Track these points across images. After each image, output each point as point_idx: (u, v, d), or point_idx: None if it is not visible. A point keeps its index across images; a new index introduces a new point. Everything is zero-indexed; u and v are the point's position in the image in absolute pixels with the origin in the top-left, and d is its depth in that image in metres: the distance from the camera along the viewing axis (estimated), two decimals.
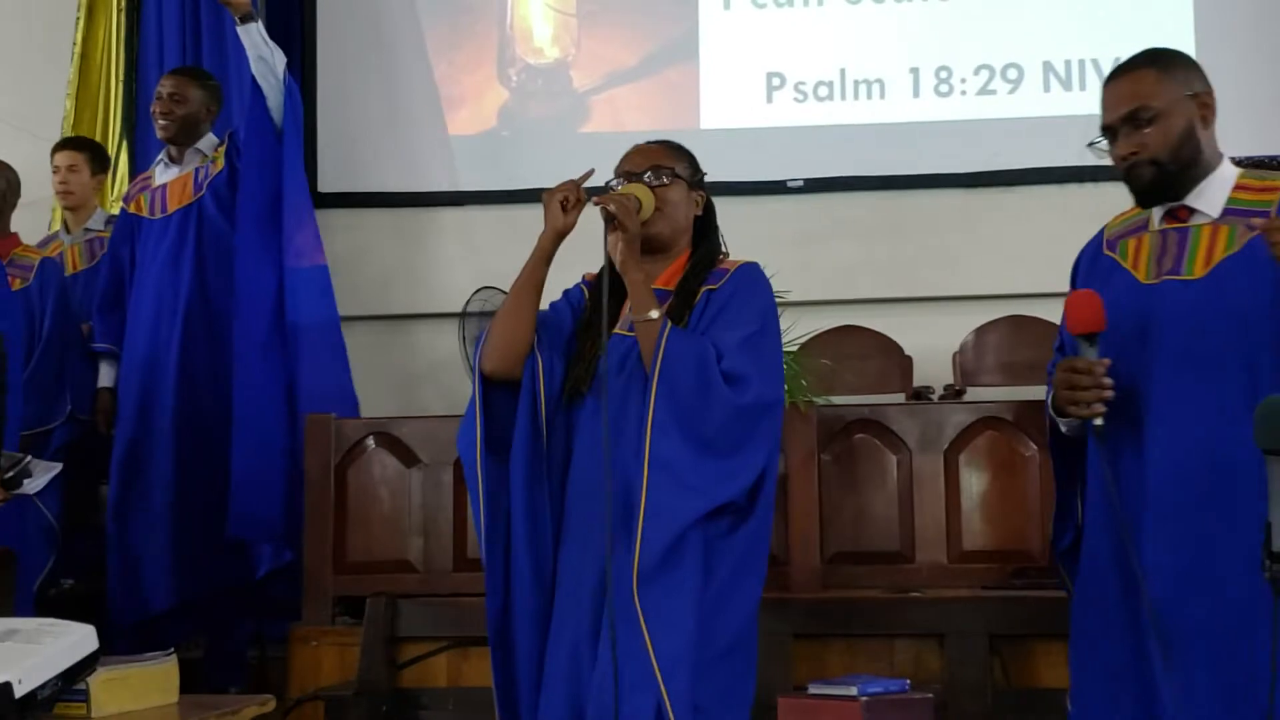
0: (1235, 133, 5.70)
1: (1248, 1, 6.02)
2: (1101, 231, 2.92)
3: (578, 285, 3.12)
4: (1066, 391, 2.66)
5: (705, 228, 3.08)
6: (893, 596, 4.11)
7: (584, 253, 3.05)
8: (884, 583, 4.20)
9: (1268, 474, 2.36)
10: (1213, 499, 2.65)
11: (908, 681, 3.63)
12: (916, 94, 6.14)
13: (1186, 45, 5.96)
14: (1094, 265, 2.88)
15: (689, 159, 3.10)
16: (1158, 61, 2.77)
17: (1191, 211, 2.75)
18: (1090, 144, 2.80)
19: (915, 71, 6.14)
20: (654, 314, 2.85)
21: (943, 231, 5.99)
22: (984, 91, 6.09)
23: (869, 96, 6.16)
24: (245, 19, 4.72)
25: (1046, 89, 6.03)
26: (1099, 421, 2.64)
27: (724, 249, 3.09)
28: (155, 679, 2.72)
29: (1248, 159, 4.20)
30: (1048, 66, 6.05)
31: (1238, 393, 2.62)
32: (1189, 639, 2.64)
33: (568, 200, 2.93)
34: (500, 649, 2.96)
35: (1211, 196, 2.74)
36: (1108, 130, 2.77)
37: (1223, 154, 2.79)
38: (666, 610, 2.72)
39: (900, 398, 5.33)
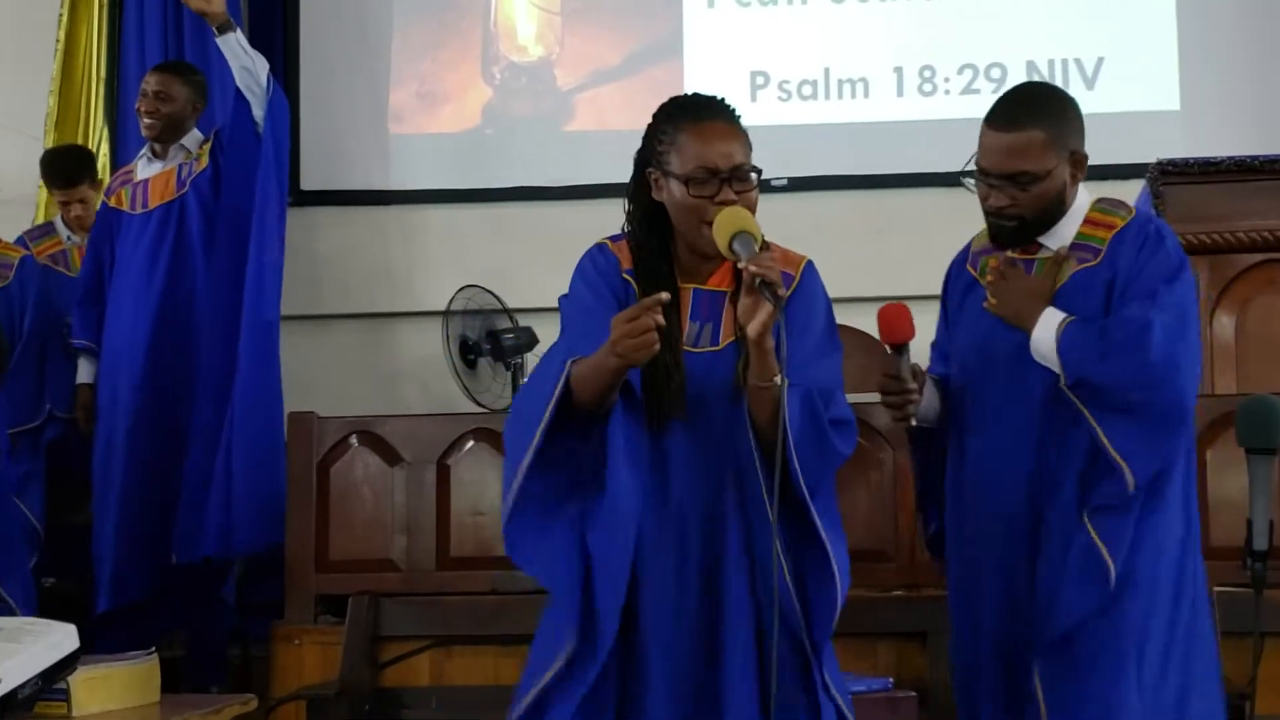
0: (1215, 134, 5.78)
1: (1230, 1, 6.04)
2: (969, 245, 3.10)
3: (605, 265, 2.73)
4: (884, 397, 2.87)
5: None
6: (876, 595, 4.11)
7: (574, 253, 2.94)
8: (868, 582, 4.19)
9: (1248, 473, 2.39)
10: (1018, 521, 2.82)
11: (891, 680, 3.63)
12: (900, 93, 6.15)
13: (1169, 45, 5.98)
14: (958, 278, 3.08)
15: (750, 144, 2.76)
16: (1046, 120, 2.82)
17: (1040, 245, 2.89)
18: (961, 177, 2.90)
19: (899, 71, 6.15)
20: (775, 380, 2.47)
21: (926, 230, 5.97)
22: (968, 91, 6.10)
23: (853, 96, 6.17)
24: (223, 29, 4.69)
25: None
26: (912, 422, 2.87)
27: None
28: (136, 678, 2.71)
29: (1200, 161, 4.29)
30: (1031, 66, 6.06)
31: (1042, 425, 2.79)
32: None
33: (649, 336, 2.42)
34: None
35: (1059, 234, 2.88)
36: (983, 171, 2.85)
37: (1079, 188, 2.89)
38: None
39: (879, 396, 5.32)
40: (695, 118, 2.73)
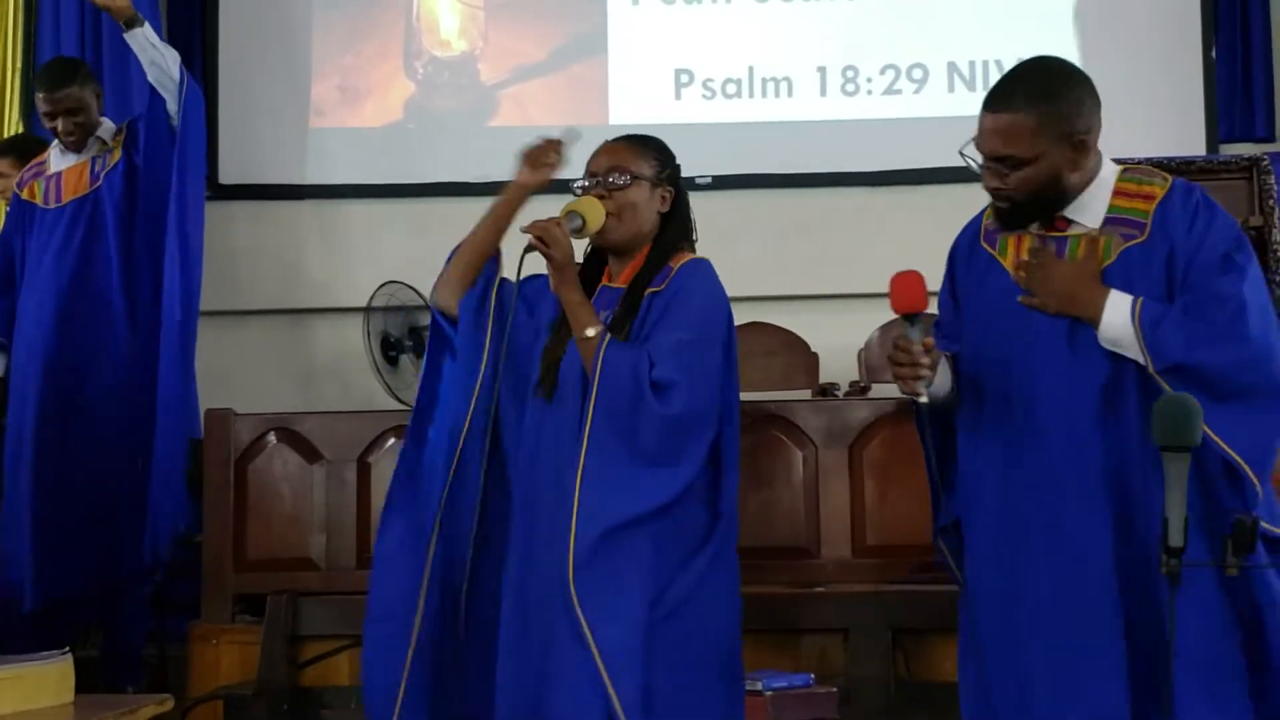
0: (1129, 134, 5.86)
1: (1146, 4, 6.13)
2: (980, 216, 2.90)
3: (530, 282, 3.10)
4: (893, 368, 2.70)
5: (671, 222, 3.06)
6: (797, 592, 4.13)
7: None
8: (789, 578, 4.22)
9: (1164, 471, 2.41)
10: (1078, 502, 2.67)
11: (812, 676, 3.65)
12: (824, 93, 6.19)
13: (1087, 46, 6.06)
14: (972, 254, 2.87)
15: (655, 155, 3.09)
16: (1039, 103, 2.70)
17: (1069, 222, 2.74)
18: (962, 150, 2.77)
19: (822, 70, 6.19)
20: (590, 331, 2.88)
21: (849, 229, 6.04)
22: (890, 91, 6.16)
23: (777, 95, 6.20)
24: (131, 24, 4.62)
25: (951, 89, 6.11)
26: (923, 399, 2.67)
27: (694, 236, 3.13)
28: (50, 678, 2.67)
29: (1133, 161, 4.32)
30: (952, 67, 6.12)
31: (1101, 407, 2.65)
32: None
33: (542, 157, 3.07)
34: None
35: (1090, 208, 2.73)
36: (979, 150, 2.76)
37: (1102, 157, 2.78)
38: (609, 603, 2.77)
39: (806, 394, 5.36)
40: (601, 144, 3.14)
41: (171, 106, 4.65)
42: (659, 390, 2.83)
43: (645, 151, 3.06)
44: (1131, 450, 2.63)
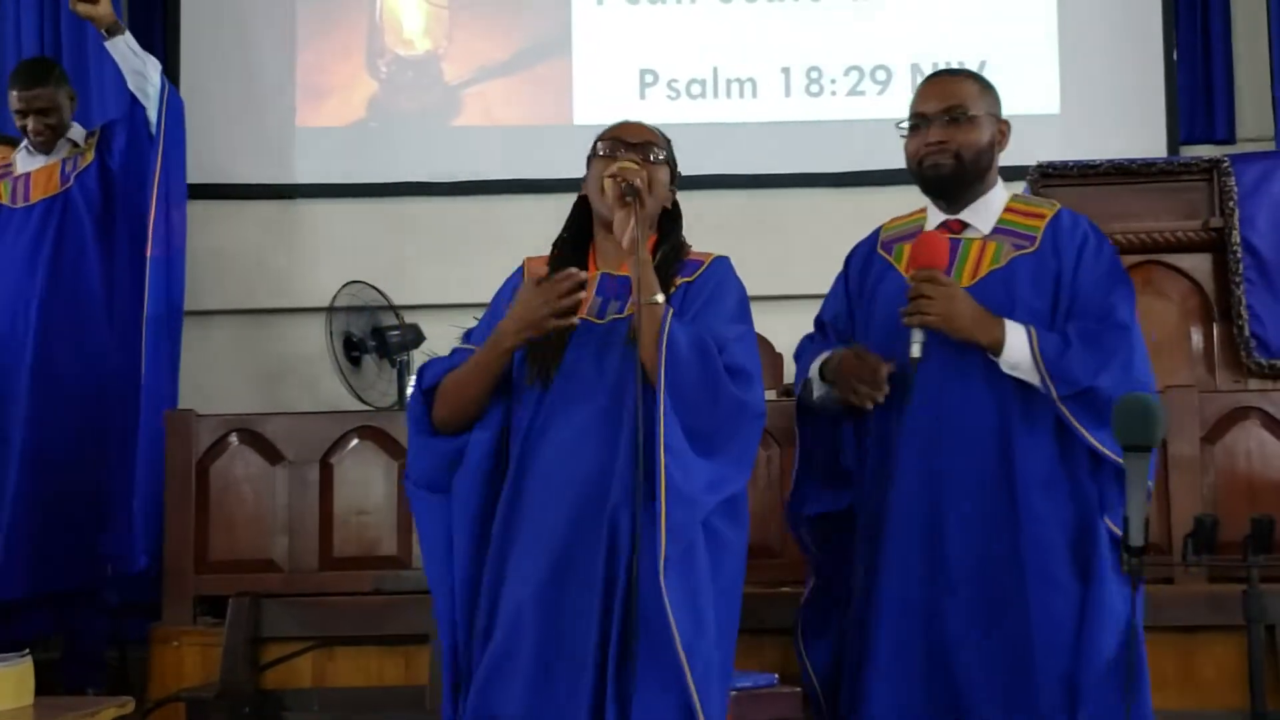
0: (1094, 137, 5.91)
1: (1108, 6, 6.17)
2: (878, 231, 3.14)
3: (517, 273, 2.94)
4: (854, 380, 2.86)
5: (676, 217, 2.94)
6: (761, 591, 4.13)
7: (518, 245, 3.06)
8: (754, 578, 4.20)
9: (1125, 470, 2.43)
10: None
11: (776, 676, 3.65)
12: (788, 94, 6.20)
13: (1050, 49, 6.10)
14: (867, 263, 3.10)
15: (670, 148, 2.95)
16: (978, 79, 3.06)
17: (964, 225, 2.96)
18: (899, 124, 3.01)
19: (786, 71, 6.21)
20: (659, 297, 2.67)
21: (814, 230, 6.04)
22: (853, 92, 6.17)
23: (741, 95, 6.21)
24: (112, 31, 4.61)
25: (915, 90, 6.12)
26: (917, 354, 2.81)
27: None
28: (9, 680, 2.65)
29: (1079, 164, 4.39)
30: (915, 69, 6.14)
31: (991, 395, 2.84)
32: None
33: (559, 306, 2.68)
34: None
35: (985, 214, 2.97)
36: (920, 117, 2.97)
37: (999, 179, 3.02)
38: (694, 605, 2.59)
39: (771, 394, 5.36)
40: (615, 127, 2.93)
41: (151, 114, 4.66)
42: (734, 375, 2.67)
43: (665, 140, 2.93)
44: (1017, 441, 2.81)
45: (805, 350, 3.12)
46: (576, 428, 2.68)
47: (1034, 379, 2.79)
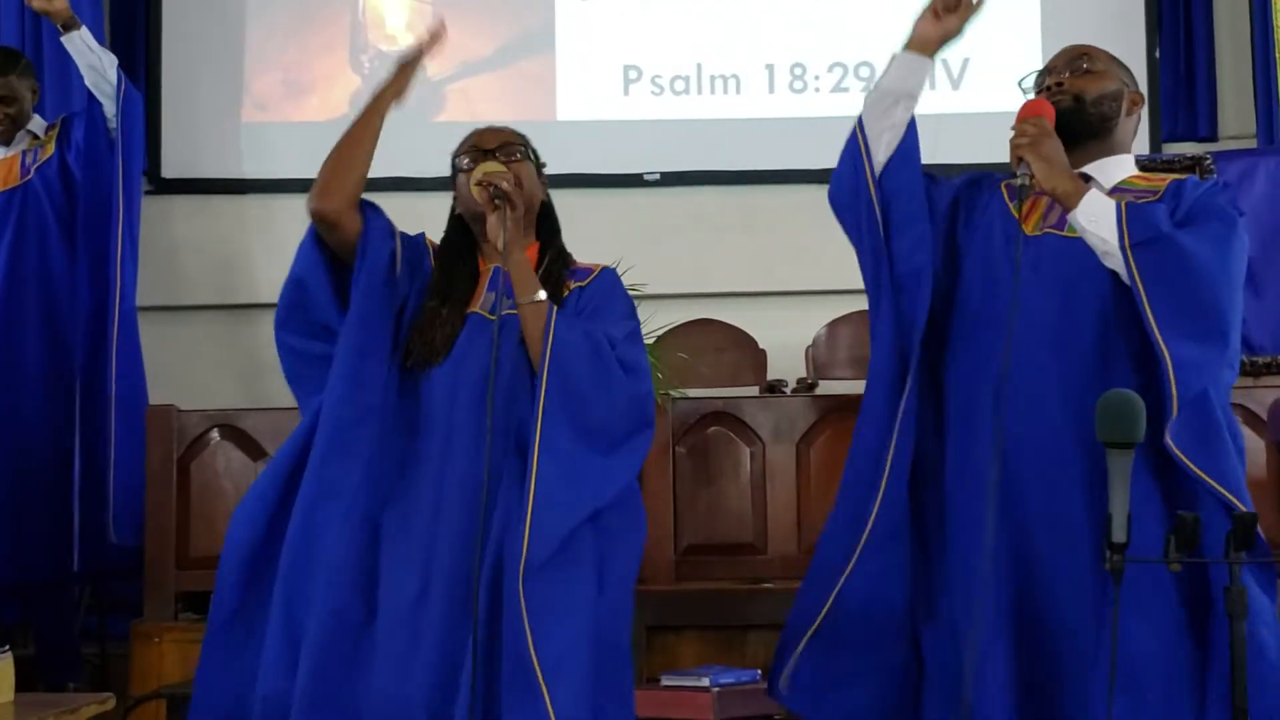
0: None
1: (1091, 4, 6.19)
2: (1000, 177, 2.97)
3: (420, 238, 2.96)
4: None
5: (546, 218, 2.94)
6: (745, 588, 4.14)
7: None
8: (736, 574, 4.23)
9: (1108, 467, 2.42)
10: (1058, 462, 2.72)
11: (759, 671, 3.66)
12: (772, 90, 6.20)
13: (1033, 45, 6.11)
14: (991, 192, 2.95)
15: (529, 143, 2.96)
16: (1111, 55, 2.96)
17: (1087, 179, 2.82)
18: (1020, 80, 2.96)
19: (770, 68, 6.21)
20: (541, 295, 2.70)
21: (797, 226, 6.04)
22: (837, 89, 6.17)
23: (725, 91, 6.20)
24: (68, 27, 4.60)
25: None
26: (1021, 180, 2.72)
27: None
28: None
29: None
30: None
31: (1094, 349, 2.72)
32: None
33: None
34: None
35: (1108, 172, 2.85)
36: (1046, 71, 2.92)
37: (1132, 153, 2.93)
38: (558, 609, 2.54)
39: (754, 391, 5.37)
40: (469, 134, 2.99)
41: (109, 110, 4.64)
42: (627, 370, 2.69)
43: (523, 138, 2.95)
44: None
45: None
46: (449, 417, 2.69)
47: (1109, 233, 2.66)
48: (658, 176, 6.10)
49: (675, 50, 6.20)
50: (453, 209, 2.97)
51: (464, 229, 2.93)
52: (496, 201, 2.73)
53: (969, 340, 2.84)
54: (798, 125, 6.14)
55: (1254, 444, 4.06)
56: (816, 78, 6.18)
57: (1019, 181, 2.73)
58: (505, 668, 2.52)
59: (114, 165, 4.62)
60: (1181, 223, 2.72)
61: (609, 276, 2.89)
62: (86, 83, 4.65)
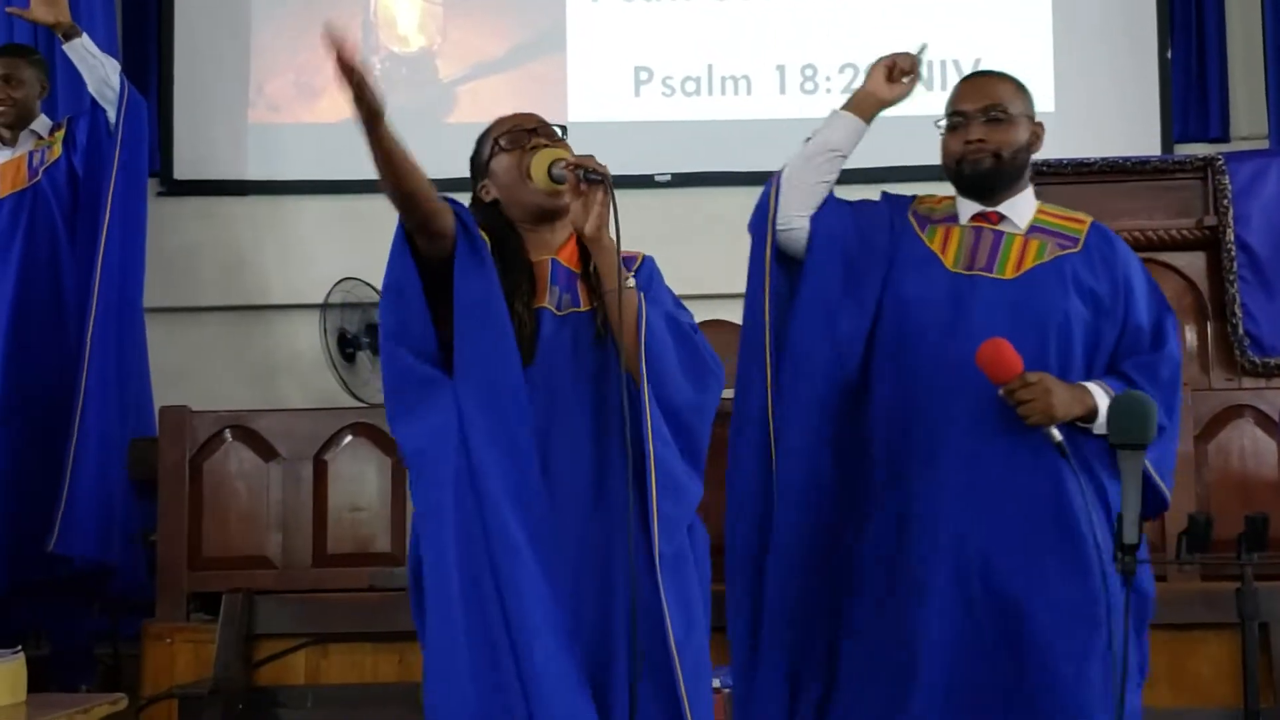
0: (1085, 134, 5.91)
1: (1103, 5, 6.18)
2: (910, 198, 3.11)
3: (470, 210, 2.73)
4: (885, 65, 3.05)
5: None
6: None
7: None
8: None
9: (1120, 468, 2.43)
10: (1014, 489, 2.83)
11: None
12: (783, 91, 6.20)
13: (1045, 46, 6.10)
14: (903, 224, 3.05)
15: None
16: (1014, 81, 3.04)
17: (1001, 218, 2.97)
18: (937, 122, 3.03)
19: (781, 69, 6.20)
20: (631, 281, 2.61)
21: None
22: (849, 90, 6.13)
23: (736, 92, 6.20)
24: (69, 35, 4.62)
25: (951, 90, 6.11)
26: (1059, 439, 2.75)
27: None
28: (3, 678, 2.65)
29: (1073, 161, 4.40)
30: None
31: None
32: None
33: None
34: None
35: (1020, 211, 2.98)
36: (959, 115, 2.98)
37: (1029, 180, 3.03)
38: (689, 613, 2.55)
39: None
40: (501, 119, 2.83)
41: (111, 115, 4.65)
42: (712, 359, 2.69)
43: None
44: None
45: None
46: (571, 425, 2.59)
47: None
48: (669, 177, 6.10)
49: (686, 51, 6.21)
50: (481, 200, 2.79)
51: (505, 219, 2.75)
52: (585, 181, 2.56)
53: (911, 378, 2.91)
54: (809, 126, 6.07)
55: (1265, 445, 4.05)
56: (828, 79, 6.17)
57: (1054, 441, 2.75)
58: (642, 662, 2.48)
59: (113, 166, 4.63)
60: (1124, 346, 2.90)
61: (652, 265, 2.81)
62: (90, 89, 4.67)
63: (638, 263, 2.77)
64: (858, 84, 3.18)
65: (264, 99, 6.28)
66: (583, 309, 2.66)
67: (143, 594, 4.42)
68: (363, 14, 6.34)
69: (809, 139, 3.08)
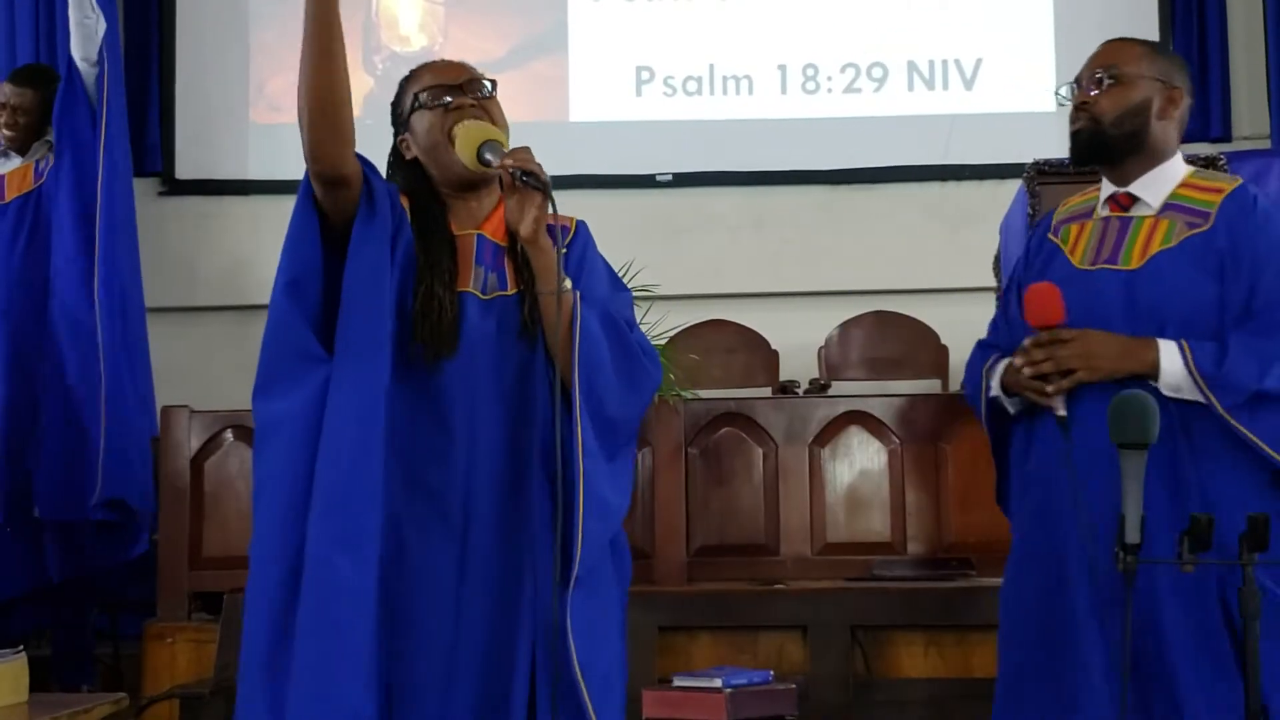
0: None
1: (1105, 5, 6.18)
2: (1052, 213, 2.91)
3: (394, 187, 2.50)
4: (1030, 379, 2.62)
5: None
6: (757, 589, 4.13)
7: None
8: (749, 575, 4.22)
9: (1121, 467, 2.42)
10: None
11: (771, 673, 3.65)
12: (784, 91, 6.19)
13: (1046, 46, 6.10)
14: (1040, 245, 2.86)
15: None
16: (1150, 45, 2.81)
17: (1134, 200, 2.75)
18: (1057, 90, 2.85)
19: (783, 69, 6.20)
20: (567, 284, 2.35)
21: (808, 227, 6.04)
22: (850, 90, 6.17)
23: (737, 92, 6.20)
24: None
25: (910, 88, 6.12)
26: (1062, 412, 2.60)
27: None
28: (4, 677, 2.65)
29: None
30: (911, 66, 6.13)
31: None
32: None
33: None
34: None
35: (1156, 188, 2.75)
36: (1074, 82, 2.79)
37: (1178, 153, 2.81)
38: (599, 625, 2.38)
39: (766, 391, 5.37)
40: (425, 66, 2.60)
41: (89, 81, 4.63)
42: (647, 355, 2.45)
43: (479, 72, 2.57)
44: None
45: (975, 363, 2.85)
46: (489, 425, 2.37)
47: (1197, 396, 2.58)
48: (670, 177, 6.10)
49: (687, 51, 6.21)
50: (402, 156, 2.55)
51: (427, 183, 2.51)
52: (522, 185, 2.32)
53: None
54: (810, 126, 6.14)
55: None
56: (829, 78, 6.17)
57: (1059, 415, 2.59)
58: (547, 685, 2.32)
59: (97, 146, 4.62)
60: (1248, 311, 2.62)
61: (586, 234, 2.55)
62: (72, 47, 4.62)
63: (571, 231, 2.51)
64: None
65: (265, 98, 6.28)
66: (509, 292, 2.42)
67: (144, 594, 4.42)
68: (364, 13, 6.35)
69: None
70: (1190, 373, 2.58)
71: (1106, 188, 2.80)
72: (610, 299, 2.47)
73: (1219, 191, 2.73)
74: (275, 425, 2.35)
